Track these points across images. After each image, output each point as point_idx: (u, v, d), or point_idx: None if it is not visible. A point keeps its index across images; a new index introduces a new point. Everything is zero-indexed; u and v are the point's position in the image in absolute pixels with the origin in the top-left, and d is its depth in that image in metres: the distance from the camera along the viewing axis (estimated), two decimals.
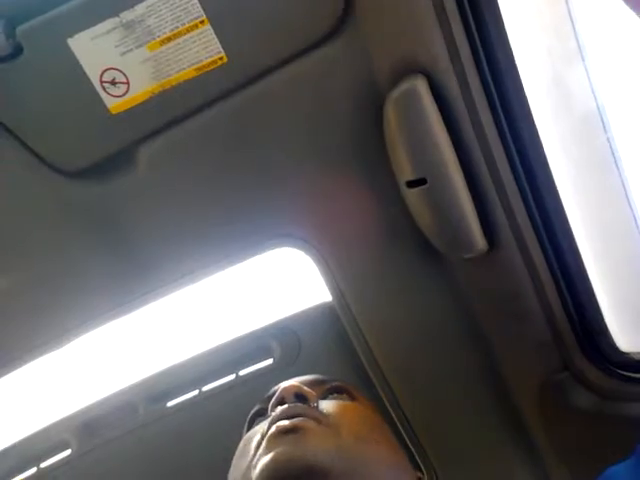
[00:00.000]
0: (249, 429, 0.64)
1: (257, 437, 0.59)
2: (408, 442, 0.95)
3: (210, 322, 1.07)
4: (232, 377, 0.98)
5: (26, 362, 0.83)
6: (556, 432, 0.87)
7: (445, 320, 0.85)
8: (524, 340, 0.82)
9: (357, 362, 0.91)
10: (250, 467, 0.55)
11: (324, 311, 0.96)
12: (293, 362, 0.97)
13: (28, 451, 0.97)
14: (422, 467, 0.98)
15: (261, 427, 0.60)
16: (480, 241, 0.73)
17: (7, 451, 0.98)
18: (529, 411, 0.88)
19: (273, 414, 0.58)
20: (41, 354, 0.82)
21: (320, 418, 0.58)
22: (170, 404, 0.98)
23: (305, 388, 0.61)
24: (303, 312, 0.98)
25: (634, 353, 0.81)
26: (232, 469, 0.61)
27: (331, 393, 0.66)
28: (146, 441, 0.99)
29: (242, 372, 0.98)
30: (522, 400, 0.88)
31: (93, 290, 0.79)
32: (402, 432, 0.94)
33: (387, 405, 0.92)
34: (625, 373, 0.80)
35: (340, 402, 0.63)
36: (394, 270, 0.82)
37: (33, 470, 0.98)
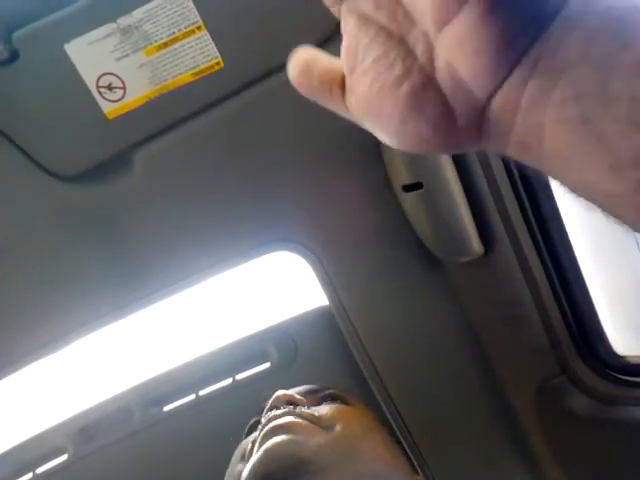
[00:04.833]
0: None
1: (249, 445, 0.59)
2: (405, 446, 0.95)
3: (207, 326, 1.07)
4: (229, 381, 0.97)
5: (21, 367, 0.82)
6: (553, 436, 0.87)
7: (442, 324, 0.85)
8: (521, 344, 0.82)
9: (354, 366, 0.91)
10: (242, 469, 0.55)
11: (321, 315, 0.95)
12: (290, 366, 0.97)
13: (24, 457, 0.97)
14: (419, 471, 0.98)
15: (253, 436, 0.60)
16: (476, 245, 0.73)
17: (2, 457, 0.97)
18: (526, 415, 0.88)
19: (264, 420, 0.58)
20: (36, 358, 0.82)
21: (312, 419, 0.58)
22: (167, 408, 0.98)
23: (297, 396, 0.62)
24: (300, 316, 0.98)
25: (631, 357, 0.81)
26: (225, 477, 0.61)
27: (325, 400, 0.66)
28: (143, 446, 0.98)
29: (239, 376, 0.97)
30: (519, 404, 0.88)
31: (89, 294, 0.79)
32: (399, 436, 0.94)
33: (384, 409, 0.92)
34: (622, 377, 0.80)
35: (334, 405, 0.63)
36: (390, 274, 0.82)
37: (29, 476, 0.97)
